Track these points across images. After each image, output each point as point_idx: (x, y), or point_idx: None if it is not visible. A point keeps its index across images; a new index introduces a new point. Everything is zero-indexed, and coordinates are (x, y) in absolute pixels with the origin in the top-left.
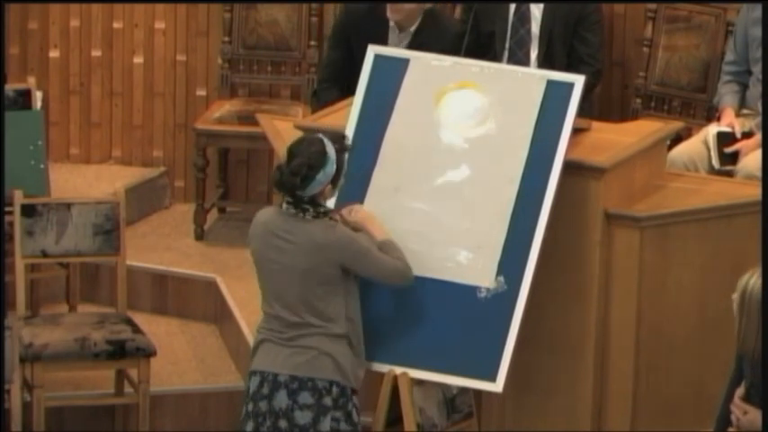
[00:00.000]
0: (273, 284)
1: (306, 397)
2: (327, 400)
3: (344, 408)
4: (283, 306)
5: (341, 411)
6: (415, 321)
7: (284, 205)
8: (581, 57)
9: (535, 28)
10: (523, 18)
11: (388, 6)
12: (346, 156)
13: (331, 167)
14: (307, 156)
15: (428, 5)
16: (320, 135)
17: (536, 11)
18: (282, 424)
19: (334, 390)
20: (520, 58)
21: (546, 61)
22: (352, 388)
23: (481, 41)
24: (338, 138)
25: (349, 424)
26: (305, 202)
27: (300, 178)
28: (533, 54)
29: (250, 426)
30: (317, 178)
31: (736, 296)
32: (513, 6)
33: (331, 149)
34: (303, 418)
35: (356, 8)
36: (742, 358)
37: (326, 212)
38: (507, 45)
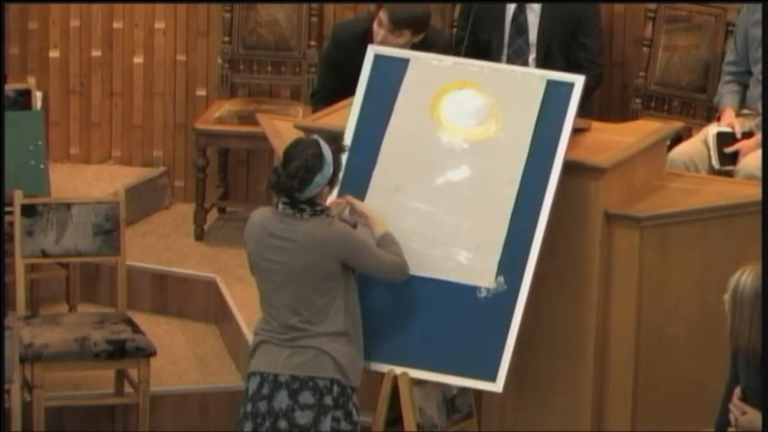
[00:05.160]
0: (272, 285)
1: (307, 397)
2: (328, 400)
3: (345, 407)
4: (282, 306)
5: (341, 411)
6: (416, 321)
7: (280, 206)
8: (581, 62)
9: (533, 37)
10: (521, 28)
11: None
12: (344, 156)
13: (328, 170)
14: (303, 159)
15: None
16: (316, 137)
17: (533, 19)
18: (282, 424)
19: (335, 389)
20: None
21: (544, 69)
22: (352, 387)
23: (479, 47)
24: (334, 138)
25: (349, 423)
26: (302, 203)
27: (298, 181)
28: (531, 64)
29: (248, 426)
30: (315, 181)
31: (727, 296)
32: (509, 15)
33: (327, 151)
34: (303, 417)
35: (345, 36)
36: (736, 360)
37: (323, 210)
38: (505, 54)
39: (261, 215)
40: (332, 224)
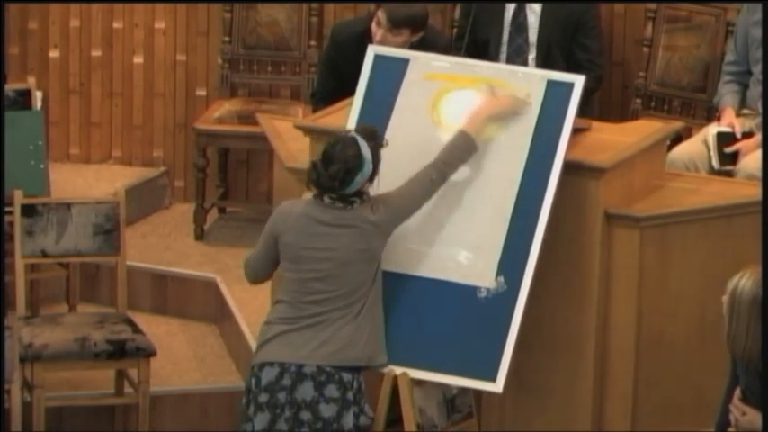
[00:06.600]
0: (315, 273)
1: (332, 390)
2: (350, 395)
3: (359, 403)
4: (322, 293)
5: (357, 406)
6: (415, 321)
7: (326, 199)
8: (581, 63)
9: (533, 37)
10: (521, 27)
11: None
12: (381, 151)
13: (368, 168)
14: (344, 160)
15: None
16: (353, 134)
17: (533, 19)
18: (305, 415)
19: (355, 384)
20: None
21: (544, 69)
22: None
23: (478, 46)
24: (371, 134)
25: (366, 417)
26: (350, 195)
27: (339, 182)
28: (531, 63)
29: (263, 418)
30: (356, 180)
31: (726, 298)
32: (509, 15)
33: (366, 150)
34: (328, 410)
35: (344, 37)
36: (736, 361)
37: (369, 196)
38: (504, 53)
39: (300, 206)
40: (377, 204)
